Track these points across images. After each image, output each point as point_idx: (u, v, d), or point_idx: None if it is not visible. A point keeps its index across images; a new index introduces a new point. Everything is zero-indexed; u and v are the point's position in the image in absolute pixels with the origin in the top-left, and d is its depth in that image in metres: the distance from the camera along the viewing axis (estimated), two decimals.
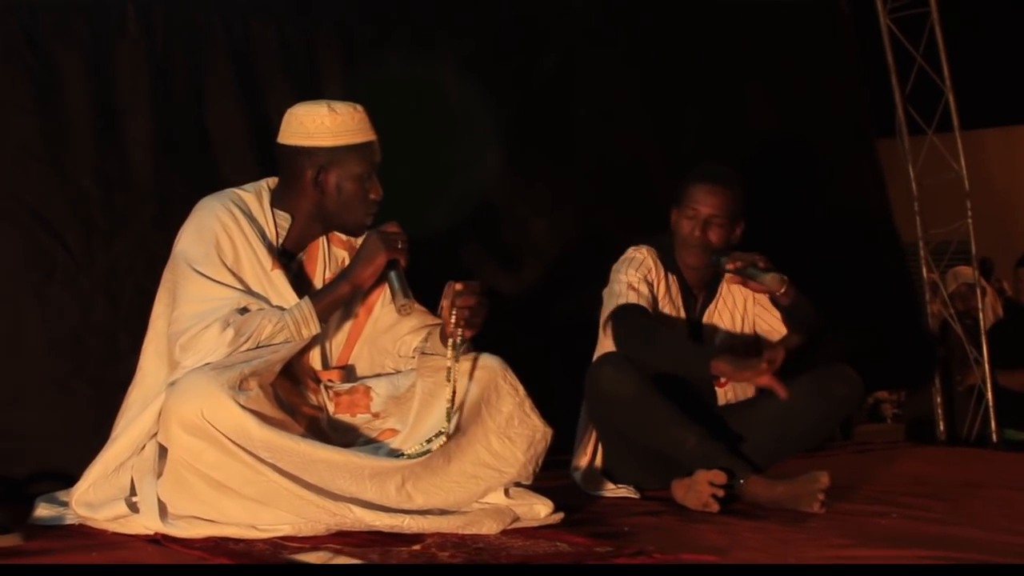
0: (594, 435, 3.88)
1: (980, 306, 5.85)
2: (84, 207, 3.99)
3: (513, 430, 3.18)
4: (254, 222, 3.25)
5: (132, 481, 3.05)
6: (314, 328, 3.15)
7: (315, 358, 3.33)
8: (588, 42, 5.16)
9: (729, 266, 3.72)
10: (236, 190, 3.32)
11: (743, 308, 3.97)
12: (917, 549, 2.79)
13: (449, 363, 3.13)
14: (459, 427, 3.13)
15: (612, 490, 3.79)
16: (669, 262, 3.90)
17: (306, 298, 3.18)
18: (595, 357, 3.85)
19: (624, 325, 3.74)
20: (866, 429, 6.35)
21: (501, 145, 4.85)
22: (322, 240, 3.39)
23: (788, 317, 3.85)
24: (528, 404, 3.22)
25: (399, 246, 3.23)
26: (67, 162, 3.99)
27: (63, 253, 3.92)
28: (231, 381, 2.90)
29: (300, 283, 3.28)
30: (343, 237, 3.40)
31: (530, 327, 4.54)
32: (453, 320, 3.11)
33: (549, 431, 3.25)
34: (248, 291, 3.16)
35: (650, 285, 3.82)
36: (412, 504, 3.02)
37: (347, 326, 3.40)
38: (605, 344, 3.85)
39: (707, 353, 3.61)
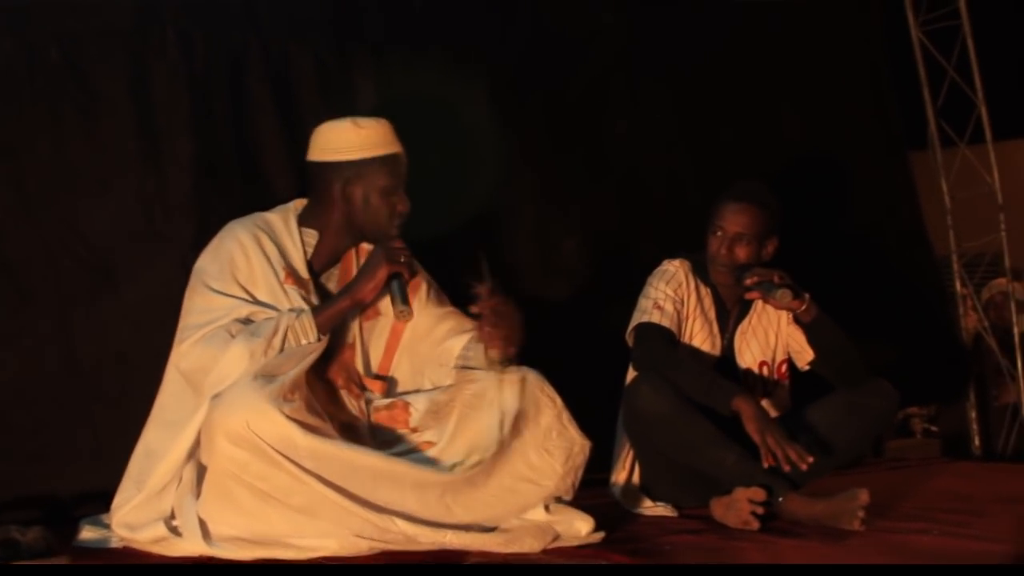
0: (631, 452, 3.89)
1: (1015, 319, 5.81)
2: (125, 229, 4.03)
3: (551, 443, 3.20)
4: (277, 241, 3.31)
5: (172, 507, 3.07)
6: (312, 338, 3.18)
7: (359, 364, 3.37)
8: (620, 60, 5.17)
9: (747, 282, 3.73)
10: (263, 213, 3.40)
11: (776, 326, 3.96)
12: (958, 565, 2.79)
13: (495, 382, 3.18)
14: (500, 445, 3.15)
15: (650, 508, 3.79)
16: (704, 277, 3.92)
17: (307, 310, 3.22)
18: (629, 373, 3.87)
19: (644, 348, 3.79)
20: (896, 444, 6.31)
21: (534, 164, 4.87)
22: (353, 253, 3.43)
23: (809, 335, 3.85)
24: (566, 416, 3.24)
25: (401, 259, 3.28)
26: (110, 185, 4.03)
27: (102, 276, 3.96)
28: (275, 393, 2.93)
29: (327, 296, 3.33)
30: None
31: (564, 344, 4.54)
32: (496, 343, 3.16)
33: (587, 444, 3.26)
34: (254, 301, 3.21)
35: (678, 302, 3.84)
36: (452, 517, 3.04)
37: (386, 335, 3.44)
38: None
39: (731, 390, 3.62)
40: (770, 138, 5.40)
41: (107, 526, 3.23)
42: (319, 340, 3.19)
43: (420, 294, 3.48)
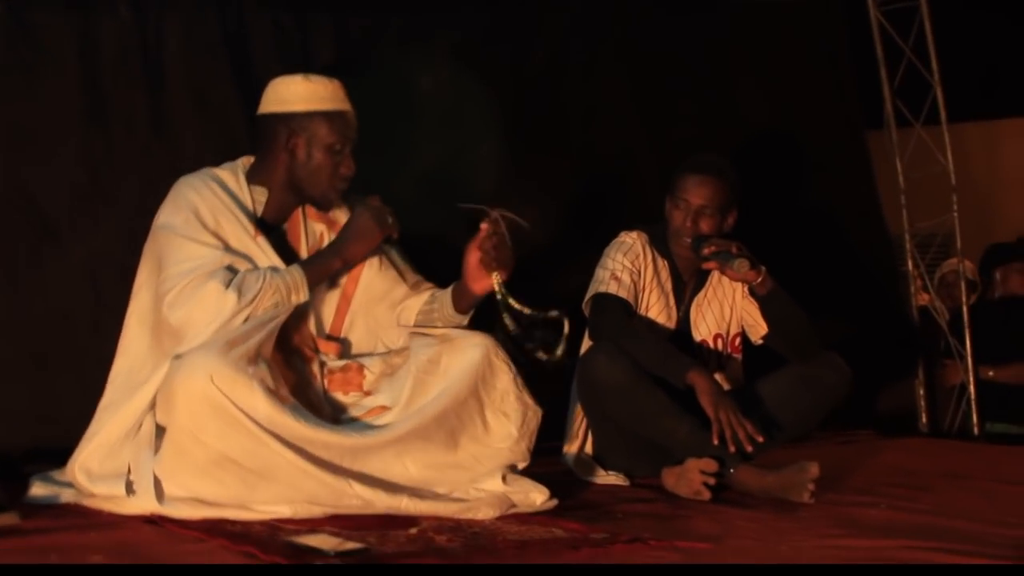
0: (584, 422, 3.91)
1: (964, 299, 5.87)
2: (70, 188, 3.99)
3: (508, 406, 3.23)
4: (232, 196, 3.29)
5: (129, 465, 3.05)
6: (303, 295, 3.19)
7: (312, 326, 3.36)
8: (579, 33, 5.16)
9: (705, 251, 3.74)
10: (212, 168, 3.37)
11: (732, 299, 3.99)
12: (908, 539, 2.83)
13: (449, 347, 3.22)
14: (459, 403, 3.17)
15: (603, 477, 3.81)
16: (662, 248, 3.93)
17: (297, 265, 3.22)
18: (584, 343, 3.89)
19: (600, 319, 3.80)
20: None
21: (492, 136, 4.86)
22: (299, 213, 3.42)
23: (763, 308, 3.87)
24: (520, 381, 3.27)
25: (389, 221, 3.28)
26: (55, 143, 3.98)
27: (47, 233, 3.93)
28: (240, 355, 2.93)
29: (283, 254, 3.30)
30: (319, 211, 3.43)
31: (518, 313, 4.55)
32: (493, 265, 3.24)
33: (540, 410, 3.29)
34: (231, 251, 3.19)
35: (635, 273, 3.86)
36: (409, 478, 3.06)
37: (336, 296, 3.43)
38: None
39: (685, 363, 3.64)
40: (728, 114, 5.41)
41: (58, 483, 3.22)
42: (308, 298, 3.19)
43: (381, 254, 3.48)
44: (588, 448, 3.94)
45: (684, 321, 3.96)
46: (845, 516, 3.20)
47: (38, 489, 3.20)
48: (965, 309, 5.82)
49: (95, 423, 3.22)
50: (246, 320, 3.07)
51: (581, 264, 4.03)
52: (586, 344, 3.88)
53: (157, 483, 2.93)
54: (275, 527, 2.83)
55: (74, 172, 4.00)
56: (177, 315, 3.10)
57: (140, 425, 3.07)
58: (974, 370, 5.74)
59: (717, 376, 3.78)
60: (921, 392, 5.92)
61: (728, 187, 3.84)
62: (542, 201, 4.91)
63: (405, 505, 3.00)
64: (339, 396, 3.33)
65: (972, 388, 5.71)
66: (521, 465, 3.26)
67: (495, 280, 3.27)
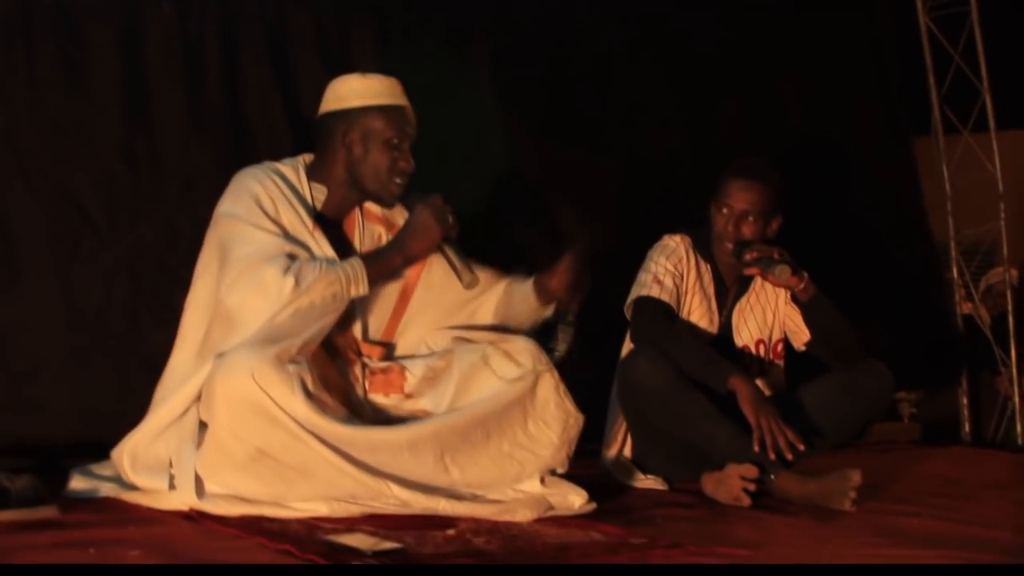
0: (624, 425, 3.89)
1: (1010, 307, 5.80)
2: (111, 184, 4.02)
3: (548, 414, 3.22)
4: (292, 189, 3.28)
5: (171, 459, 3.06)
6: (363, 289, 3.17)
7: (357, 330, 3.35)
8: (622, 37, 5.14)
9: (747, 257, 3.71)
10: (273, 162, 3.36)
11: (775, 305, 3.96)
12: (951, 550, 2.78)
13: (493, 351, 3.26)
14: (501, 406, 3.17)
15: (642, 480, 3.80)
16: (705, 253, 3.91)
17: (357, 258, 3.20)
18: (625, 346, 3.87)
19: (642, 322, 3.79)
20: (883, 428, 6.31)
21: (533, 138, 4.85)
22: (357, 212, 3.41)
23: (806, 314, 3.84)
24: (562, 388, 3.26)
25: (450, 220, 3.26)
26: (96, 140, 4.01)
27: (88, 230, 3.95)
28: (280, 353, 2.93)
29: (340, 251, 3.28)
30: (378, 212, 3.44)
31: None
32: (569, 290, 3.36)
33: (581, 417, 3.28)
34: (292, 239, 3.18)
35: (677, 277, 3.84)
36: (448, 478, 3.05)
37: (392, 299, 3.43)
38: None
39: (727, 368, 3.62)
40: (773, 119, 5.39)
41: (97, 477, 3.23)
42: (367, 291, 3.18)
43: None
44: (627, 452, 3.92)
45: (726, 326, 3.93)
46: (887, 525, 3.16)
47: (77, 483, 3.22)
48: (1011, 318, 5.76)
49: (150, 414, 3.21)
50: (294, 312, 3.06)
51: (624, 267, 4.00)
52: (627, 347, 3.85)
53: (197, 479, 2.93)
54: (312, 525, 2.82)
55: (115, 169, 4.03)
56: (233, 297, 3.09)
57: (185, 413, 3.07)
58: (1019, 379, 5.68)
59: (759, 382, 3.75)
60: (964, 401, 5.86)
61: (772, 192, 3.81)
62: (584, 203, 4.90)
63: (443, 506, 2.99)
64: (380, 398, 3.33)
65: (1016, 398, 5.65)
66: (560, 470, 3.26)
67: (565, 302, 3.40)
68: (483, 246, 4.01)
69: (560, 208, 4.90)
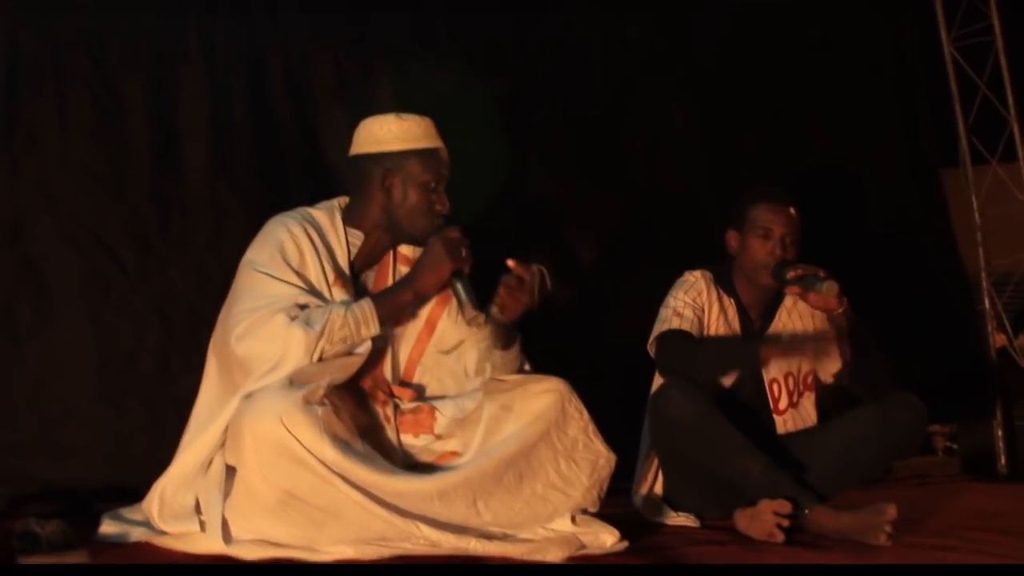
0: (655, 462, 3.87)
1: None
2: (141, 229, 4.06)
3: (578, 453, 3.20)
4: (324, 238, 3.28)
5: (197, 501, 3.05)
6: (374, 329, 3.16)
7: (387, 371, 3.35)
8: (643, 72, 5.14)
9: (790, 274, 3.68)
10: (307, 208, 3.36)
11: (803, 332, 3.93)
12: None
13: (522, 393, 3.22)
14: (530, 447, 3.15)
15: (673, 518, 3.76)
16: (727, 287, 3.90)
17: (368, 299, 3.19)
18: (655, 381, 3.85)
19: (666, 353, 3.77)
20: (918, 462, 6.26)
21: (553, 173, 4.85)
22: (390, 256, 3.41)
23: (840, 340, 3.80)
24: (591, 428, 3.24)
25: (463, 254, 3.24)
26: (126, 184, 4.06)
27: (119, 274, 3.99)
28: (307, 396, 2.91)
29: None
30: (409, 253, 3.42)
31: (584, 355, 4.51)
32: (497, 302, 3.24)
33: (612, 457, 3.26)
34: (311, 291, 3.17)
35: (698, 309, 3.83)
36: (479, 520, 3.03)
37: (410, 341, 3.42)
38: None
39: (754, 345, 3.63)
40: (798, 151, 5.36)
41: (128, 521, 3.23)
42: (378, 331, 3.16)
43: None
44: (658, 489, 3.88)
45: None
46: (923, 560, 3.11)
47: (108, 527, 3.22)
48: None
49: (176, 459, 3.20)
50: (321, 357, 3.06)
51: (645, 305, 3.98)
52: (656, 382, 3.83)
53: (225, 524, 2.92)
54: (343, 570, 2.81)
55: (145, 213, 4.06)
56: (242, 348, 3.08)
57: (211, 461, 3.07)
58: None
59: (790, 414, 3.77)
60: (999, 433, 5.79)
61: (800, 215, 3.81)
62: (605, 239, 4.90)
63: (473, 546, 2.97)
64: (410, 438, 3.31)
65: None
66: (592, 510, 3.24)
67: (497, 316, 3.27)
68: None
69: (580, 246, 4.89)
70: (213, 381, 3.25)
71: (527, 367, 3.43)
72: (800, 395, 3.93)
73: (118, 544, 3.12)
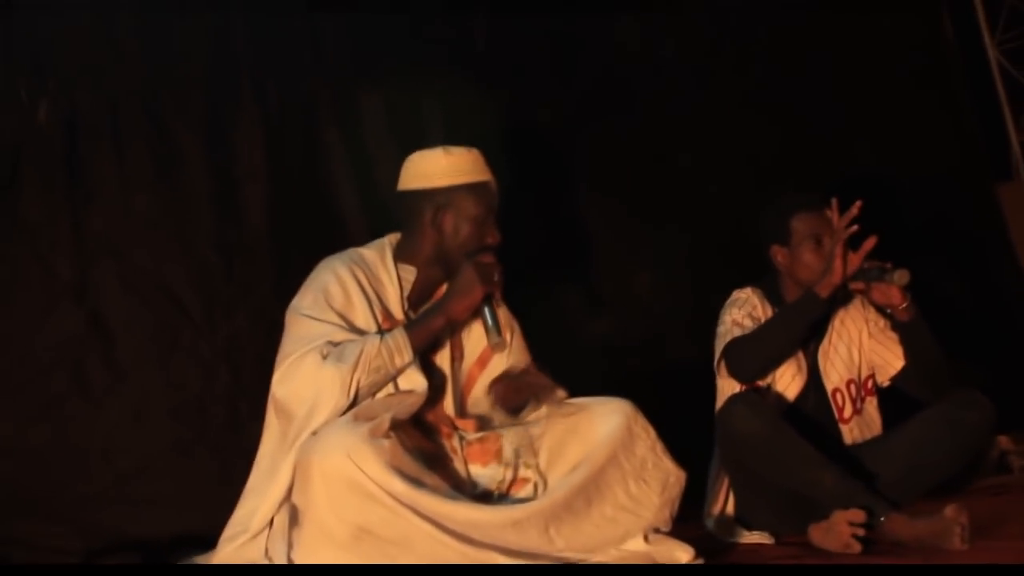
0: (726, 482, 3.85)
1: None
2: (205, 277, 4.11)
3: (647, 473, 3.19)
4: (375, 278, 3.30)
5: (267, 550, 3.07)
6: (407, 357, 3.16)
7: (449, 406, 3.35)
8: (683, 91, 5.17)
9: (864, 264, 3.67)
10: (358, 248, 3.39)
11: (858, 341, 3.93)
12: None
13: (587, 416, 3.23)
14: (598, 471, 3.13)
15: (747, 537, 3.73)
16: (777, 301, 3.89)
17: (400, 328, 3.20)
18: (717, 401, 3.83)
19: (737, 356, 3.76)
20: (994, 480, 6.16)
21: (603, 198, 4.87)
22: (443, 291, 3.41)
23: (904, 337, 3.80)
24: (659, 447, 3.23)
25: (495, 279, 3.26)
26: (187, 232, 4.12)
27: (186, 323, 4.04)
28: (372, 430, 2.92)
29: None
30: None
31: (640, 378, 4.50)
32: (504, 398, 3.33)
33: (682, 474, 3.25)
34: (351, 328, 3.18)
35: (756, 320, 3.83)
36: (553, 547, 3.01)
37: (462, 377, 3.43)
38: (723, 387, 3.86)
39: (809, 293, 3.64)
40: (845, 167, 5.33)
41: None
42: (412, 359, 3.17)
43: (512, 340, 3.49)
44: (730, 509, 3.86)
45: (814, 371, 3.89)
46: (1001, 561, 3.06)
47: None
48: None
49: (240, 507, 3.23)
50: (358, 390, 3.07)
51: (699, 327, 3.97)
52: (720, 401, 3.82)
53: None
54: None
55: (208, 261, 4.12)
56: (281, 391, 3.11)
57: (272, 522, 3.08)
58: None
59: (855, 421, 3.79)
60: None
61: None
62: (656, 264, 4.90)
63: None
64: (478, 468, 3.31)
65: None
66: (664, 529, 3.22)
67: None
68: (554, 313, 4.04)
69: (631, 271, 4.90)
70: (273, 428, 3.27)
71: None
72: (863, 400, 3.91)
73: None
